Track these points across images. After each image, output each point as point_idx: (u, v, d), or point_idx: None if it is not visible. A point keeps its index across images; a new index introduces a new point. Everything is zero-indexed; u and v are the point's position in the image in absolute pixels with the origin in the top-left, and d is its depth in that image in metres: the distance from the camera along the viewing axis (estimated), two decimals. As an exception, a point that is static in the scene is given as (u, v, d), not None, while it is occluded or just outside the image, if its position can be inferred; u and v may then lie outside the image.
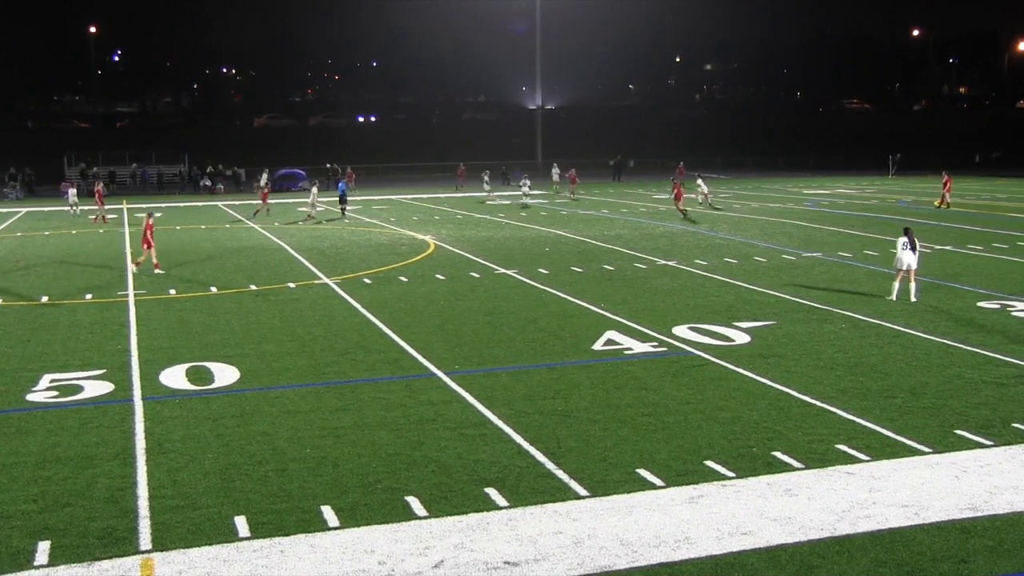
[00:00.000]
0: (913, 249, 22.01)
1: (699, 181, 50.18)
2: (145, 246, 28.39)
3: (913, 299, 21.84)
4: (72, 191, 50.58)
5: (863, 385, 15.18)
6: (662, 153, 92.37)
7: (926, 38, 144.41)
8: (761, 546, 9.58)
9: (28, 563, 9.40)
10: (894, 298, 22.01)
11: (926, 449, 12.23)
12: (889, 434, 12.80)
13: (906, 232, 22.25)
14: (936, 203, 47.09)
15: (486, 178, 61.17)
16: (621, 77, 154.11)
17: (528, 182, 54.62)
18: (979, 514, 10.24)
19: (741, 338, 18.58)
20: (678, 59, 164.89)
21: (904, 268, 21.98)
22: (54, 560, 9.45)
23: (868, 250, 30.75)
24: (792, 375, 15.79)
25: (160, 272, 27.79)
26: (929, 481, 11.18)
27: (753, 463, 11.83)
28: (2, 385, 15.88)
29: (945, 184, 46.64)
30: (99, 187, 50.80)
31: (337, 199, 46.99)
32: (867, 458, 11.94)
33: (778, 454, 12.11)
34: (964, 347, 17.52)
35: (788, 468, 11.64)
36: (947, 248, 31.17)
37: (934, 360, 16.70)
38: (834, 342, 18.15)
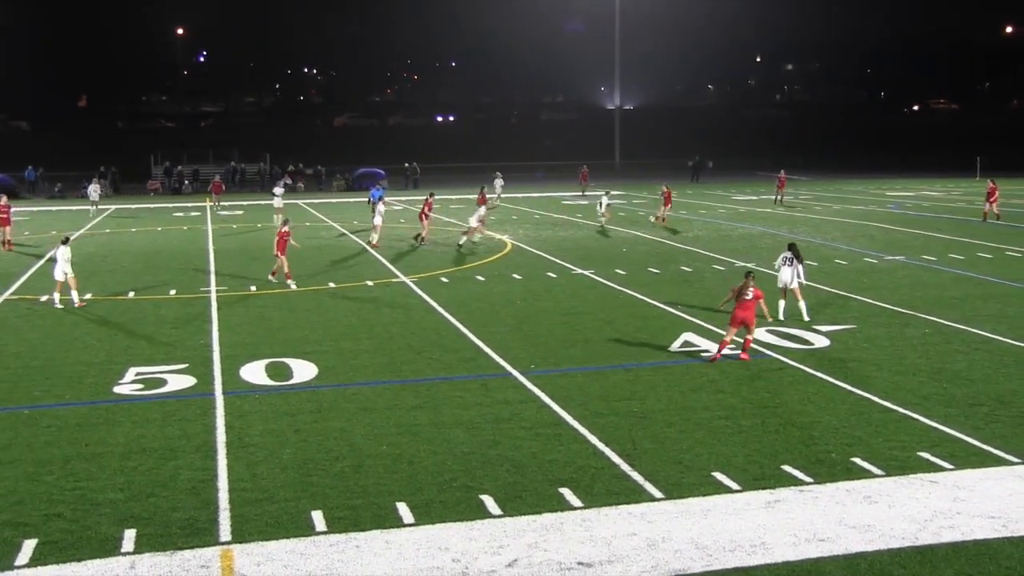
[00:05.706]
0: (794, 263, 20.33)
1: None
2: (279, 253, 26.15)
3: (806, 318, 20.17)
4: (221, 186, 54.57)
5: (947, 392, 14.81)
6: (741, 154, 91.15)
7: (1019, 35, 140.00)
8: (839, 553, 9.42)
9: (116, 550, 9.69)
10: (781, 317, 20.29)
11: (1015, 459, 11.89)
12: (975, 443, 12.48)
13: (790, 248, 20.72)
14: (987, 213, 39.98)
15: (499, 183, 55.29)
16: (700, 77, 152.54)
17: (605, 199, 41.31)
18: (1069, 527, 9.92)
19: (820, 342, 18.27)
20: (758, 59, 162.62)
21: (781, 286, 20.50)
22: (139, 548, 9.72)
23: (953, 254, 29.97)
24: (872, 380, 15.48)
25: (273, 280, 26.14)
26: (1018, 492, 10.86)
27: (832, 469, 11.63)
28: (91, 377, 16.38)
29: (991, 194, 39.95)
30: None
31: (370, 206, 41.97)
32: (951, 467, 11.65)
33: (857, 460, 11.89)
34: (1055, 355, 16.99)
35: (868, 475, 11.42)
36: (1037, 252, 30.25)
37: None
38: (916, 347, 17.75)
